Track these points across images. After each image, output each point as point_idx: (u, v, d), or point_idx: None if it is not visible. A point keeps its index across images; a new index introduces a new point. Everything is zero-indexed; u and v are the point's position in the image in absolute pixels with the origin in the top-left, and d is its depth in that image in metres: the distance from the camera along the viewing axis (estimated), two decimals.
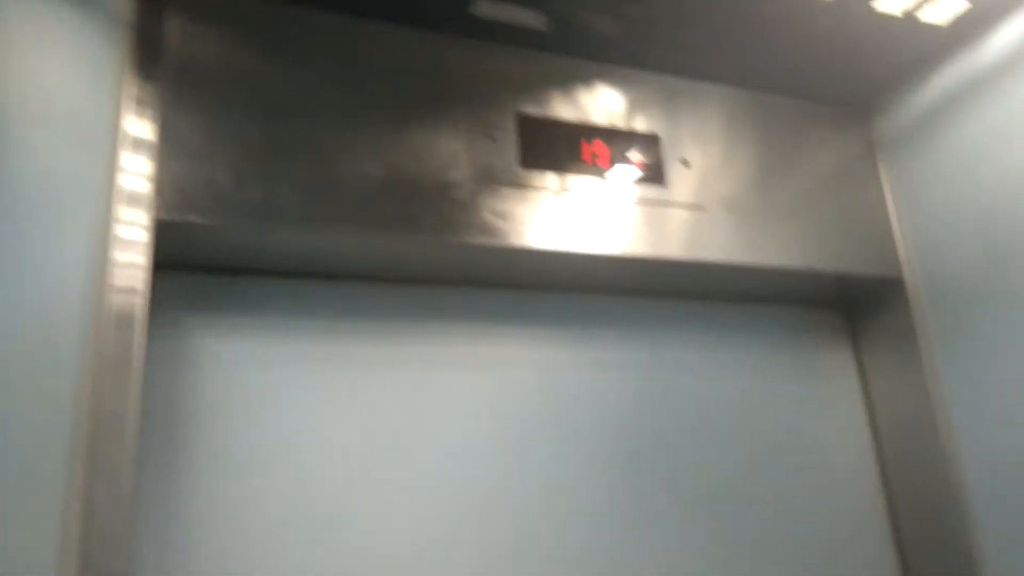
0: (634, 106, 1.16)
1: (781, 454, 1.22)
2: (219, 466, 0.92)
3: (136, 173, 0.86)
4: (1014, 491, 1.08)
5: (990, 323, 1.13)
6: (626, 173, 1.10)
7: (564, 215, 1.04)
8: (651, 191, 1.11)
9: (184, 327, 0.96)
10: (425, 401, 1.03)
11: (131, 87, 0.89)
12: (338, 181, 0.94)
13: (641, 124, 1.15)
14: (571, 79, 1.13)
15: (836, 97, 1.31)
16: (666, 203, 1.11)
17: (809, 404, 1.28)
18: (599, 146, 1.10)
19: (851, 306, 1.37)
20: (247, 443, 0.94)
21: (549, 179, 1.05)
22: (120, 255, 0.83)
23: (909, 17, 1.10)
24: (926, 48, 1.20)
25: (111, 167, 0.85)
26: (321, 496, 0.95)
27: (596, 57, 1.14)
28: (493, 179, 1.01)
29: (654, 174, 1.12)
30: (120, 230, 0.83)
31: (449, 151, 1.01)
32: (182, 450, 0.91)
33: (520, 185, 1.03)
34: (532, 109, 1.08)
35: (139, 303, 0.82)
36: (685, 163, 1.14)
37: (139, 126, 0.88)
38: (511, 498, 1.03)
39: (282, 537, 0.91)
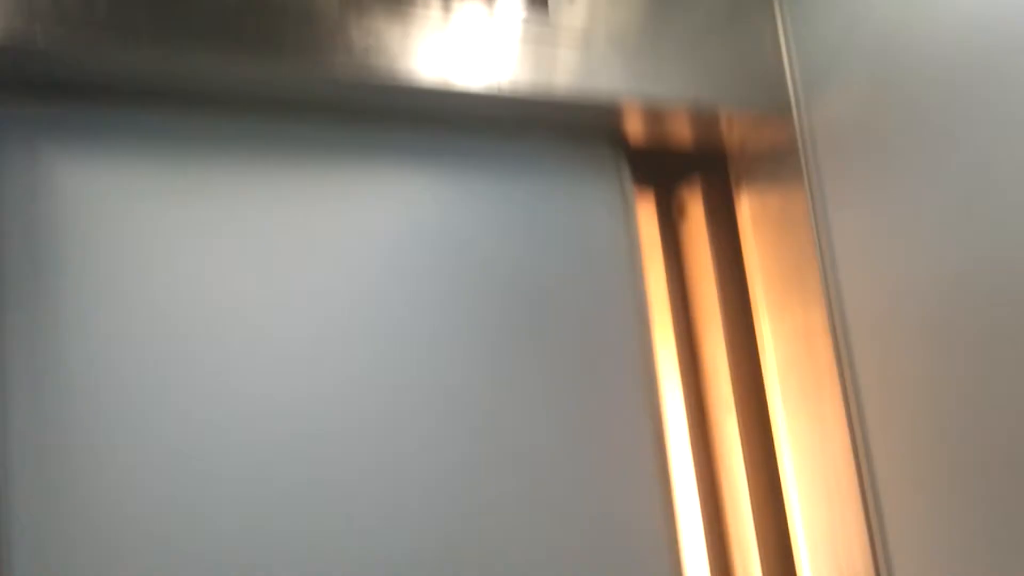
0: None
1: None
2: (81, 299, 0.87)
3: None
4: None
5: (877, 156, 1.13)
6: (508, 1, 1.06)
7: (441, 44, 1.00)
8: (534, 21, 1.07)
9: (35, 154, 0.88)
10: (292, 235, 1.00)
11: None
12: None
13: None
14: None
15: None
16: (551, 35, 1.08)
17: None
18: None
19: (738, 144, 1.35)
20: (108, 277, 0.89)
21: (425, 3, 1.01)
22: None
23: None
24: None
25: None
26: (188, 336, 0.92)
27: None
28: (364, 2, 0.97)
29: (538, 3, 1.08)
30: None
31: None
32: (41, 285, 0.87)
33: (395, 11, 0.98)
34: None
35: None
36: None
37: None
38: (378, 337, 1.02)
39: (149, 381, 0.89)
